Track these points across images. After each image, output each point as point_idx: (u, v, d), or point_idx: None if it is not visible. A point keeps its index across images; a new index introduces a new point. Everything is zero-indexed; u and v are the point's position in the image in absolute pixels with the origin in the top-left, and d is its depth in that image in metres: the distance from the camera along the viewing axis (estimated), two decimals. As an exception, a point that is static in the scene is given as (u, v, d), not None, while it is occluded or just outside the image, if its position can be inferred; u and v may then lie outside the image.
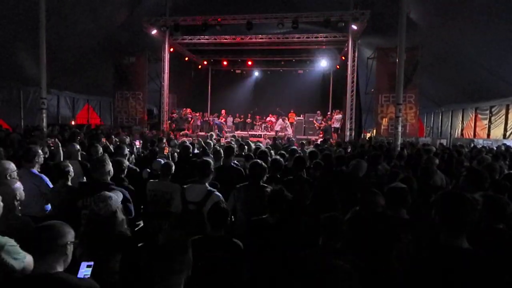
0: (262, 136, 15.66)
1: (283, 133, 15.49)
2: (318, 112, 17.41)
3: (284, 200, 2.79)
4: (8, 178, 3.09)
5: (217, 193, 3.26)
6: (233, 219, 3.32)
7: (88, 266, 1.85)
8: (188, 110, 17.58)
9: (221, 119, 18.28)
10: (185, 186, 3.36)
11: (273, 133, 17.05)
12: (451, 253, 1.67)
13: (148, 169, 4.92)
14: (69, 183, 3.55)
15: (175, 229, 3.19)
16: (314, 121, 16.73)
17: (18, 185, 2.71)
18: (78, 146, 4.87)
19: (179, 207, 3.19)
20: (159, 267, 1.48)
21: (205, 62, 20.59)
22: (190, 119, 17.09)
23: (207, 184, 3.37)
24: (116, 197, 2.31)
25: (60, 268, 1.66)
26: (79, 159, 4.71)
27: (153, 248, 1.53)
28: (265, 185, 3.44)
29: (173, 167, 4.00)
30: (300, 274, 1.72)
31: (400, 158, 6.29)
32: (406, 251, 2.23)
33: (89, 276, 1.82)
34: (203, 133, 15.48)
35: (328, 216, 2.37)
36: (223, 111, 19.16)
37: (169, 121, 16.18)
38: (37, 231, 1.72)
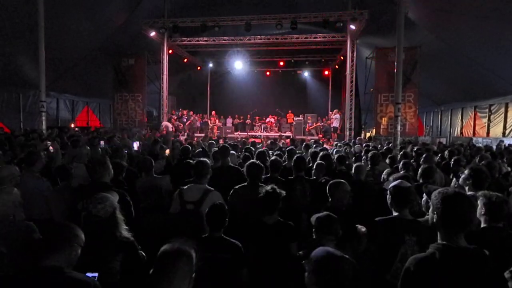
0: (262, 136, 15.67)
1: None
2: (309, 116, 17.46)
3: (278, 200, 2.74)
4: (9, 183, 3.08)
5: (216, 191, 3.19)
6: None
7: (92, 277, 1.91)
8: (185, 111, 17.57)
9: (213, 120, 18.12)
10: (183, 187, 3.35)
11: (273, 133, 17.06)
12: (449, 252, 1.67)
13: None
14: (71, 185, 3.56)
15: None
16: (308, 126, 16.76)
17: (16, 190, 2.70)
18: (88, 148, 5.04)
19: (177, 208, 3.17)
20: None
21: (204, 64, 20.59)
22: (185, 120, 17.09)
23: (205, 184, 3.32)
24: (113, 197, 2.32)
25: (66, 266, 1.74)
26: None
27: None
28: (263, 185, 3.43)
29: (152, 161, 4.25)
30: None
31: (405, 157, 6.29)
32: (411, 253, 2.23)
33: None
34: (202, 135, 15.50)
35: (321, 216, 2.36)
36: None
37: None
38: (54, 228, 1.87)
